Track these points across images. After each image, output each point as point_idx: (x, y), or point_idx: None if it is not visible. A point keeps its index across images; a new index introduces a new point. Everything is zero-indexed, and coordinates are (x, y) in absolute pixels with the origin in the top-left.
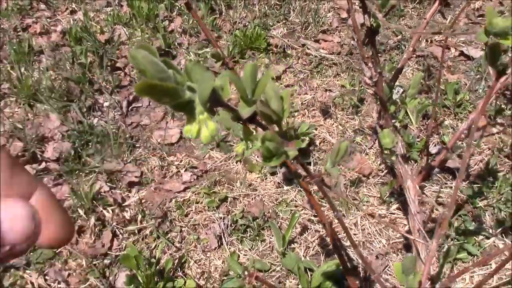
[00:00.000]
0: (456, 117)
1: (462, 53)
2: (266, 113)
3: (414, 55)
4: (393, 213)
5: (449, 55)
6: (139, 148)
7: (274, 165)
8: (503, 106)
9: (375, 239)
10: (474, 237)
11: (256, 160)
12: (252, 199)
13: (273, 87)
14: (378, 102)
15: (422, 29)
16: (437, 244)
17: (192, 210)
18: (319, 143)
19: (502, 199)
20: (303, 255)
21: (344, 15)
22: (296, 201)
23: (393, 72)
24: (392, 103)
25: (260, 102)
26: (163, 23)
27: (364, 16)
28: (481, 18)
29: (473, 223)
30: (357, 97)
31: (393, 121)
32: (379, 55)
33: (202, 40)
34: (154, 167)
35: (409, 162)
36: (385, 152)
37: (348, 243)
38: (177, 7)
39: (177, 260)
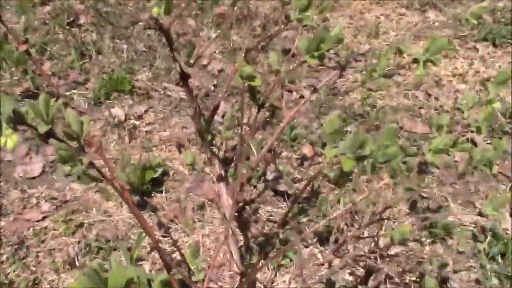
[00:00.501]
0: (292, 149)
1: (302, 96)
2: (68, 132)
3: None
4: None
5: (291, 97)
6: (0, 183)
7: (70, 173)
8: None
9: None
10: (296, 247)
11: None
12: (107, 224)
13: (73, 115)
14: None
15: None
16: (219, 248)
17: (49, 237)
18: (173, 174)
19: (321, 215)
20: (148, 270)
21: (204, 61)
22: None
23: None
24: (210, 133)
25: (63, 125)
26: (33, 66)
27: (174, 63)
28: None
29: (296, 235)
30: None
31: (212, 147)
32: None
33: (71, 82)
34: (15, 199)
35: (250, 187)
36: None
37: None
38: (48, 51)
39: (31, 282)
